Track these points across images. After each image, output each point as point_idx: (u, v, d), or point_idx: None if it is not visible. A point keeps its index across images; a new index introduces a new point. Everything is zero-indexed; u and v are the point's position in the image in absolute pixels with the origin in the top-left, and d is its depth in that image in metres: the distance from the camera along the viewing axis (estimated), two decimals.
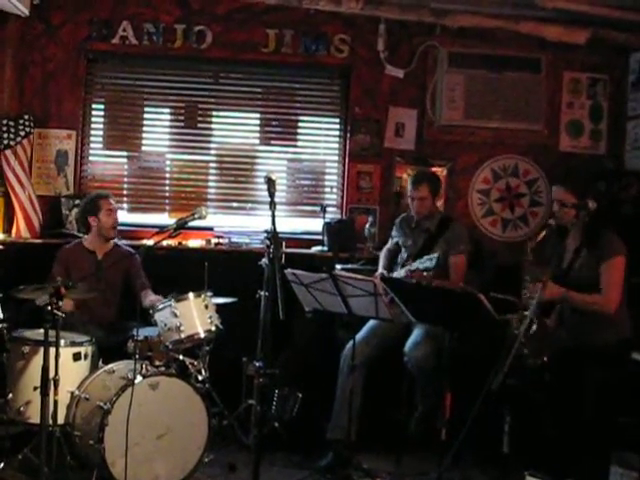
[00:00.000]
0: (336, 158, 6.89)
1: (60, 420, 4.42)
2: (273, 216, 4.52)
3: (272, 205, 4.53)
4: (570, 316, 4.60)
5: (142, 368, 4.62)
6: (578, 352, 4.55)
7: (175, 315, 4.90)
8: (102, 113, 6.74)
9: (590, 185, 4.80)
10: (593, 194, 4.64)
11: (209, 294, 5.14)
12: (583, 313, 4.56)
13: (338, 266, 5.90)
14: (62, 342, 4.35)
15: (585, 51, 6.64)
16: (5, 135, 6.22)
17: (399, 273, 5.39)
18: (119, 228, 5.72)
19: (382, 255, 5.88)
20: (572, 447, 4.50)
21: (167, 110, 6.83)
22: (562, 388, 4.56)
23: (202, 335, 5.00)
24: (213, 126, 6.85)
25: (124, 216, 6.36)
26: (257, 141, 6.88)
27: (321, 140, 6.94)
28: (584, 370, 4.50)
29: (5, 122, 6.24)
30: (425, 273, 4.97)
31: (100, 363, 4.86)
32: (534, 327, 4.32)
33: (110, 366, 4.78)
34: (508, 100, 6.66)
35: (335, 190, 6.89)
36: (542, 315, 4.49)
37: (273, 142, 6.88)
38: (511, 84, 6.65)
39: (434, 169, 6.55)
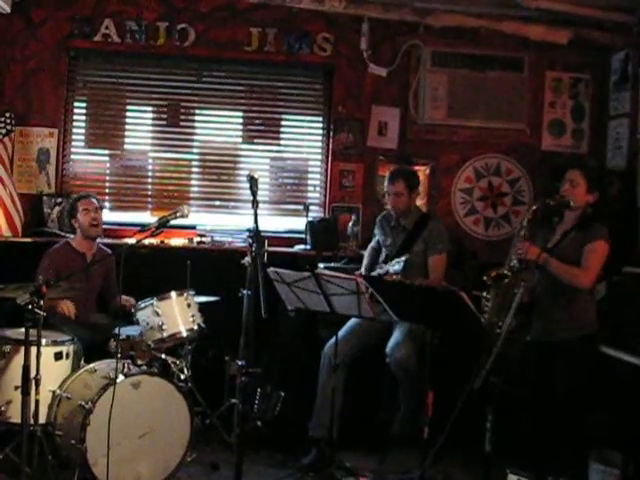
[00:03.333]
0: (319, 157, 6.89)
1: (41, 420, 4.38)
2: (256, 215, 4.52)
3: (254, 204, 4.53)
4: (542, 308, 4.66)
5: (124, 367, 4.60)
6: (549, 345, 4.67)
7: (157, 314, 4.90)
8: (84, 111, 6.73)
9: (600, 185, 4.85)
10: (599, 193, 4.72)
11: (191, 293, 5.14)
12: (553, 308, 4.64)
13: (321, 265, 5.91)
14: (43, 341, 4.33)
15: (567, 51, 6.66)
16: None
17: (374, 273, 5.41)
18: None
19: (366, 254, 5.89)
20: (551, 443, 4.54)
21: (150, 108, 6.82)
22: (535, 382, 4.65)
23: (184, 334, 5.01)
24: (196, 124, 6.84)
25: (106, 214, 6.33)
26: (240, 139, 6.88)
27: (304, 139, 6.95)
28: (555, 363, 4.61)
29: None
30: (395, 276, 4.99)
31: (82, 362, 4.84)
32: (506, 280, 4.38)
33: (92, 365, 4.76)
34: (491, 99, 6.68)
35: (318, 189, 6.89)
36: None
37: (256, 140, 6.87)
38: (494, 83, 6.68)
39: (417, 168, 6.55)
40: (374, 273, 5.40)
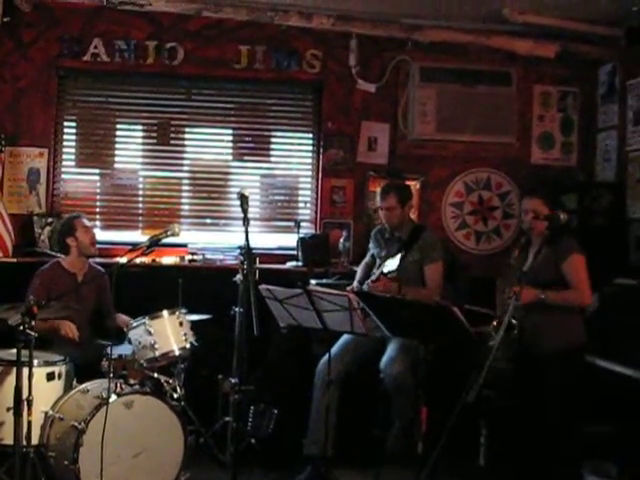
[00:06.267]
0: (309, 173, 6.90)
1: (34, 441, 4.34)
2: (247, 232, 4.52)
3: (245, 221, 4.53)
4: (525, 323, 4.69)
5: (117, 387, 4.57)
6: (535, 358, 4.71)
7: (149, 333, 4.88)
8: (74, 131, 6.71)
9: (558, 197, 4.96)
10: (562, 206, 4.79)
11: (183, 311, 5.13)
12: (538, 319, 4.68)
13: (313, 281, 5.89)
14: (35, 362, 4.30)
15: (555, 64, 6.72)
16: None
17: (367, 282, 5.40)
18: None
19: (359, 269, 5.87)
20: (545, 456, 4.54)
21: (139, 127, 6.81)
22: (525, 395, 4.66)
23: (177, 353, 4.99)
24: (186, 142, 6.84)
25: (97, 234, 6.31)
26: (230, 157, 6.88)
27: (294, 155, 6.96)
28: (543, 375, 4.63)
29: None
30: (389, 276, 4.97)
31: (74, 382, 4.82)
32: (515, 332, 4.40)
33: (84, 385, 4.74)
34: (480, 114, 6.71)
35: (309, 205, 6.90)
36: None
37: (246, 158, 6.88)
38: (482, 98, 6.71)
39: (407, 183, 6.56)
40: (367, 281, 5.39)
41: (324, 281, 6.05)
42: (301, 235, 6.51)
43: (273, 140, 6.93)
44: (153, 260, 6.22)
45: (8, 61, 6.43)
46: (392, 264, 4.99)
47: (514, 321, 4.44)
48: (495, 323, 4.55)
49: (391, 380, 5.20)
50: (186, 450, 4.70)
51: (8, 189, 6.43)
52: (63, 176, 6.68)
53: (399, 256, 4.98)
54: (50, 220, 6.31)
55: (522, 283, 4.54)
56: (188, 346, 5.04)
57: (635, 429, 4.61)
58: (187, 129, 6.83)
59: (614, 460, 4.73)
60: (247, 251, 4.55)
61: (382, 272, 5.11)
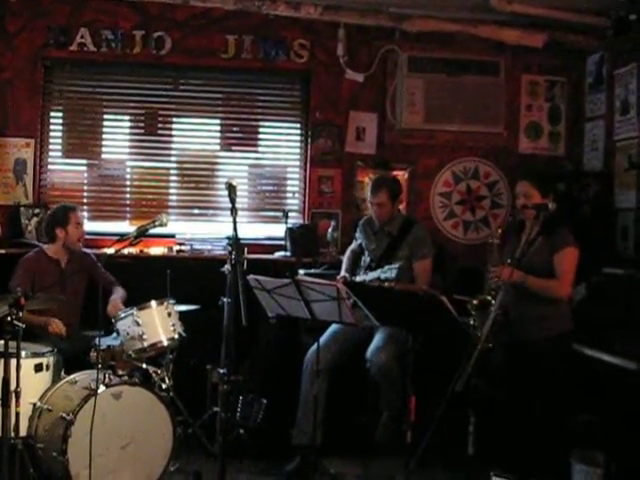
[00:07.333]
0: (297, 163, 6.89)
1: (22, 432, 4.31)
2: (235, 222, 4.51)
3: (233, 211, 4.52)
4: (514, 311, 4.69)
5: (105, 378, 4.56)
6: (523, 346, 4.72)
7: (137, 324, 4.87)
8: (61, 121, 6.68)
9: (553, 185, 4.95)
10: (554, 194, 4.78)
11: (172, 302, 5.11)
12: (526, 308, 4.70)
13: (301, 271, 5.89)
14: (23, 353, 4.28)
15: (543, 54, 6.72)
16: None
17: (360, 278, 5.39)
18: None
19: (345, 257, 5.88)
20: (532, 444, 4.56)
21: (127, 117, 6.79)
22: (514, 383, 4.68)
23: (165, 343, 4.98)
24: (173, 132, 6.81)
25: (84, 224, 6.29)
26: (218, 147, 6.86)
27: (282, 145, 6.95)
28: (532, 363, 4.65)
29: None
30: (386, 283, 4.97)
31: (62, 373, 4.80)
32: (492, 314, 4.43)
33: (72, 376, 4.73)
34: (468, 103, 6.70)
35: (297, 195, 6.89)
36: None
37: (234, 148, 6.86)
38: (470, 87, 6.70)
39: (395, 173, 6.57)
40: (360, 278, 5.39)
41: (312, 271, 6.05)
42: (289, 225, 6.51)
43: (261, 130, 6.92)
44: (141, 251, 6.22)
45: None
46: (391, 273, 4.96)
47: (490, 298, 4.48)
48: (476, 301, 4.56)
49: (376, 369, 5.20)
50: (175, 440, 4.70)
51: None
52: (50, 167, 6.66)
53: (398, 266, 4.96)
54: (37, 211, 6.29)
55: (512, 265, 4.56)
56: (176, 336, 5.03)
57: (622, 418, 4.63)
58: (174, 119, 6.81)
59: (602, 448, 4.75)
60: (235, 241, 4.53)
61: (379, 278, 5.07)
